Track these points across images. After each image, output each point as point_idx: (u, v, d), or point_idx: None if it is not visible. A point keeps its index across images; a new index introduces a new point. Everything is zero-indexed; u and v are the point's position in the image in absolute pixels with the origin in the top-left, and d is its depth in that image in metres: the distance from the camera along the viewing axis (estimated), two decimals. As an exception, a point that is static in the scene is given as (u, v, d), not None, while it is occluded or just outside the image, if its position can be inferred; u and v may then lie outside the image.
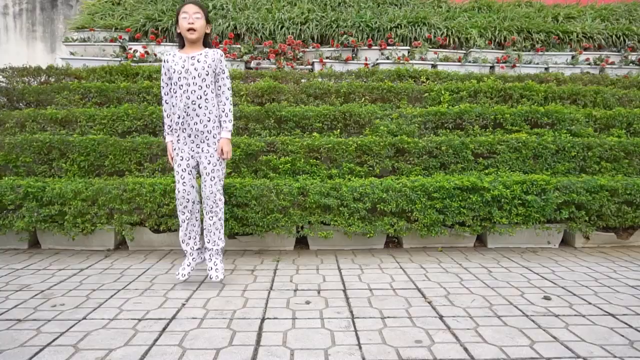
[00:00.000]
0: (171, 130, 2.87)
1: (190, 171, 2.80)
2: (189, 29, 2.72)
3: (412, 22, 6.86)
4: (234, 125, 4.49)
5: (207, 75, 2.75)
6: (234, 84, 5.14)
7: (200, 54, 2.78)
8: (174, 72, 2.76)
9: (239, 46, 6.52)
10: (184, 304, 2.57)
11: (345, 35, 6.69)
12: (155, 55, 6.39)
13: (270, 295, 2.73)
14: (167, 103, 2.85)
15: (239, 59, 6.26)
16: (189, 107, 2.74)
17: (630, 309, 2.51)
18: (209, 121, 2.77)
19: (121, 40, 6.55)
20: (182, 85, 2.73)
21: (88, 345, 2.06)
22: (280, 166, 4.05)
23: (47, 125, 4.59)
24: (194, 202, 2.83)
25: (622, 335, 2.16)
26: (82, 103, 5.04)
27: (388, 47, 6.62)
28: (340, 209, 3.65)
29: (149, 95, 5.02)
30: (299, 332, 2.20)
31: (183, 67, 2.74)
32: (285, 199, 3.60)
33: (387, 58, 6.50)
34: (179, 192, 2.77)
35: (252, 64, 6.34)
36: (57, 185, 3.66)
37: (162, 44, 6.53)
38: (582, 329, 2.23)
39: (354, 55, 6.67)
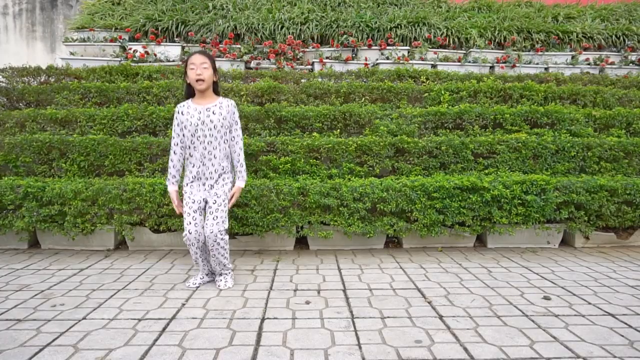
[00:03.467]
0: (175, 181, 2.89)
1: (202, 212, 2.80)
2: (197, 80, 2.75)
3: (412, 22, 6.86)
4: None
5: (222, 127, 2.82)
6: (234, 84, 5.14)
7: (215, 105, 2.83)
8: (190, 125, 2.79)
9: (239, 46, 6.52)
10: (184, 304, 2.57)
11: (345, 35, 6.69)
12: (155, 55, 6.39)
13: (270, 295, 2.73)
14: (175, 153, 2.86)
15: (239, 59, 6.26)
16: (205, 157, 2.81)
17: (630, 309, 2.51)
18: (222, 169, 2.85)
19: (121, 40, 6.55)
20: (199, 137, 2.79)
21: (88, 345, 2.06)
22: (280, 166, 4.05)
23: (47, 125, 4.59)
24: (204, 242, 2.82)
25: (622, 335, 2.16)
26: (82, 103, 5.04)
27: (388, 47, 6.62)
28: (340, 209, 3.65)
29: (149, 95, 5.03)
30: (299, 332, 2.20)
31: (199, 120, 2.79)
32: (285, 199, 3.60)
33: (387, 58, 6.50)
34: (190, 233, 2.73)
35: (252, 64, 6.34)
36: (57, 185, 3.66)
37: (162, 44, 6.53)
38: (582, 329, 2.23)
39: (354, 55, 6.67)
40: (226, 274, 2.91)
